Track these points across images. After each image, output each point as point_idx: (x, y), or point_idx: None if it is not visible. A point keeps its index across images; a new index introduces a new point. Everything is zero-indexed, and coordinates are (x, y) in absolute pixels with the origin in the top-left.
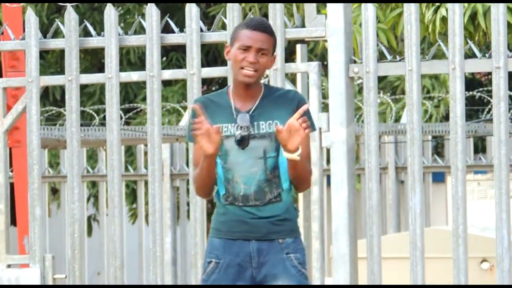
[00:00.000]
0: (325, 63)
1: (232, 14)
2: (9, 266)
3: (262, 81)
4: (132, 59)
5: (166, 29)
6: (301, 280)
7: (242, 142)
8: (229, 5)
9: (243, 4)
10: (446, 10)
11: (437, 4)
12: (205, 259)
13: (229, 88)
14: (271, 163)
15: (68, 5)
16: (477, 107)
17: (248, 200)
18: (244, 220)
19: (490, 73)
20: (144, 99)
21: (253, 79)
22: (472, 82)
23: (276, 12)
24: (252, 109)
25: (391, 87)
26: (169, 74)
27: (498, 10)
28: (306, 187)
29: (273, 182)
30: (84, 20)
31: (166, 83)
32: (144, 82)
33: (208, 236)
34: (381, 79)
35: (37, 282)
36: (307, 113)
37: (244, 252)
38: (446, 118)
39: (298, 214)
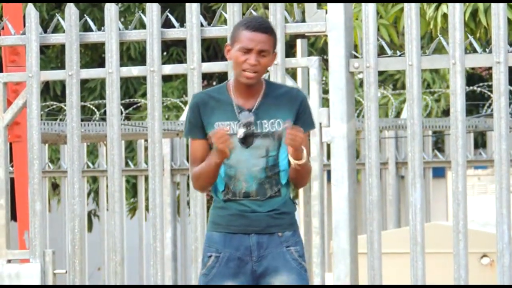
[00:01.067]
0: (325, 56)
1: (233, 9)
2: (9, 261)
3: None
4: (133, 54)
5: (167, 24)
6: (301, 273)
7: (246, 141)
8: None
9: None
10: (447, 6)
11: None
12: (204, 253)
13: (228, 84)
14: (272, 161)
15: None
16: (477, 102)
17: (249, 196)
18: (243, 214)
19: (490, 68)
20: (144, 95)
21: (254, 80)
22: (473, 77)
23: (276, 7)
24: (254, 107)
25: (391, 80)
26: (169, 69)
27: (498, 5)
28: (304, 185)
29: (273, 179)
30: (85, 15)
31: (166, 79)
32: (144, 78)
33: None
34: (381, 72)
35: (37, 277)
36: (307, 110)
37: (244, 245)
38: (446, 112)
39: (296, 207)
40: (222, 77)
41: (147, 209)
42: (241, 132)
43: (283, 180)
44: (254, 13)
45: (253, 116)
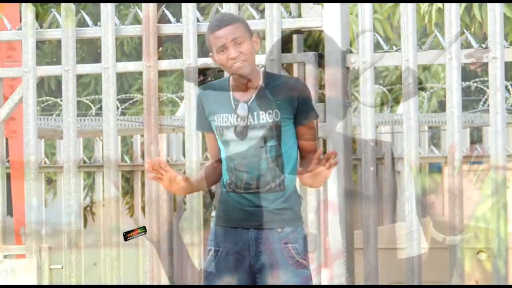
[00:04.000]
0: (319, 51)
1: (229, 4)
2: (5, 256)
3: (262, 68)
4: (126, 49)
5: (162, 19)
6: (297, 271)
7: (240, 133)
8: None
9: None
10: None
11: None
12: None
13: (230, 77)
14: (273, 151)
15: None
16: (473, 98)
17: (249, 188)
18: (242, 208)
19: (485, 64)
20: (138, 90)
21: (247, 68)
22: (468, 74)
23: (272, 4)
24: (251, 100)
25: (380, 77)
26: (165, 65)
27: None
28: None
29: (275, 170)
30: (81, 11)
31: (161, 74)
32: (139, 73)
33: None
34: None
35: (34, 272)
36: (308, 101)
37: (243, 240)
38: (441, 108)
39: (301, 202)
40: (218, 72)
41: (143, 205)
42: (236, 124)
43: (288, 173)
44: (250, 9)
45: (246, 108)
